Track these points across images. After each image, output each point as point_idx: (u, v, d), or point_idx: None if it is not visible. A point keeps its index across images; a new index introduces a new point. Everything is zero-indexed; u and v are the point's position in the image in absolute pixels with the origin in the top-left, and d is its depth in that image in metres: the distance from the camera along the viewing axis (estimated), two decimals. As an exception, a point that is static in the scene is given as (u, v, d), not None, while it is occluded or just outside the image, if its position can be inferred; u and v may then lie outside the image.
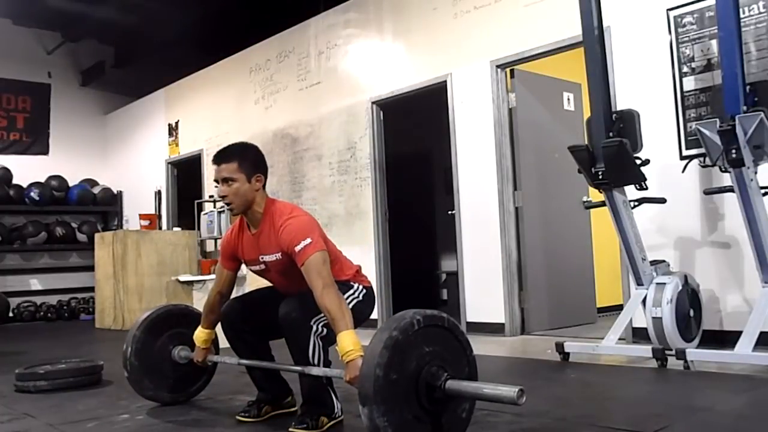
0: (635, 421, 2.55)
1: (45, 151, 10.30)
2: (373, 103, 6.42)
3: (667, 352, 3.60)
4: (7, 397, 3.56)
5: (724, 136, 3.51)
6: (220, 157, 2.69)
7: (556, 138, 5.38)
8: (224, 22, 8.59)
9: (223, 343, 2.95)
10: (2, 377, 4.02)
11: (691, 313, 3.94)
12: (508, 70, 5.44)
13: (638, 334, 4.30)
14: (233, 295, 2.96)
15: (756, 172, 3.56)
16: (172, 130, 9.38)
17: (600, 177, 3.94)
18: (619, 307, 4.69)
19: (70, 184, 10.12)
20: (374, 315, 3.29)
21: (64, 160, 10.25)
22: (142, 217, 8.21)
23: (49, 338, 7.20)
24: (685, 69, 4.37)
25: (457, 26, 5.70)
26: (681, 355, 3.46)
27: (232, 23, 8.67)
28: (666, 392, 3.22)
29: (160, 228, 8.91)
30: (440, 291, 7.83)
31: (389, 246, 6.34)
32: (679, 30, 4.39)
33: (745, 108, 3.51)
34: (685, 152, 4.30)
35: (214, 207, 7.96)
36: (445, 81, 5.77)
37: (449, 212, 5.83)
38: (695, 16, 4.32)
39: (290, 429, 2.52)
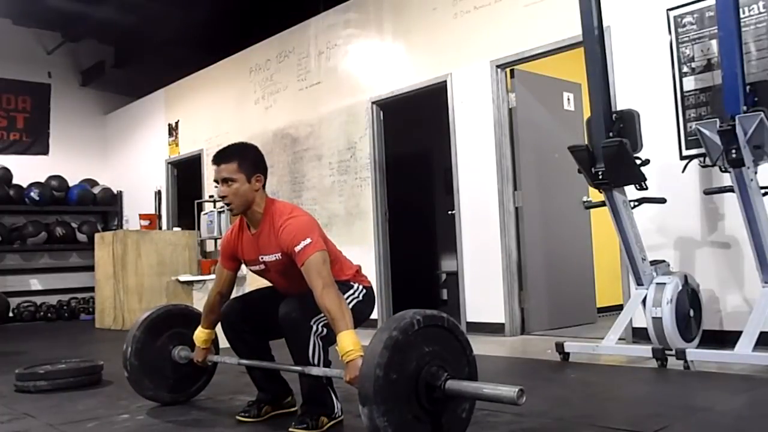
0: (635, 421, 2.55)
1: (45, 151, 10.30)
2: (373, 103, 6.42)
3: (667, 352, 3.60)
4: (7, 397, 3.56)
5: (724, 136, 3.51)
6: (220, 158, 2.68)
7: (556, 138, 5.38)
8: (224, 22, 8.59)
9: (223, 343, 2.95)
10: (2, 377, 4.02)
11: (691, 313, 3.94)
12: (508, 70, 5.44)
13: (638, 334, 4.30)
14: (233, 295, 2.96)
15: (756, 172, 3.56)
16: (172, 130, 9.38)
17: (600, 177, 3.94)
18: (619, 307, 4.69)
19: (70, 184, 10.12)
20: (374, 315, 3.29)
21: (64, 160, 10.25)
22: (142, 217, 8.21)
23: (49, 338, 7.20)
24: (685, 69, 4.37)
25: (457, 26, 5.70)
26: (681, 355, 3.46)
27: (232, 23, 8.67)
28: (666, 392, 3.22)
29: (160, 228, 8.91)
30: (440, 291, 7.83)
31: (389, 246, 6.34)
32: (679, 30, 4.39)
33: (745, 108, 3.51)
34: (685, 152, 4.30)
35: (214, 207, 7.96)
36: (445, 81, 5.77)
37: (449, 212, 5.83)
38: (695, 16, 4.32)
39: (290, 429, 2.52)
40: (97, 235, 8.36)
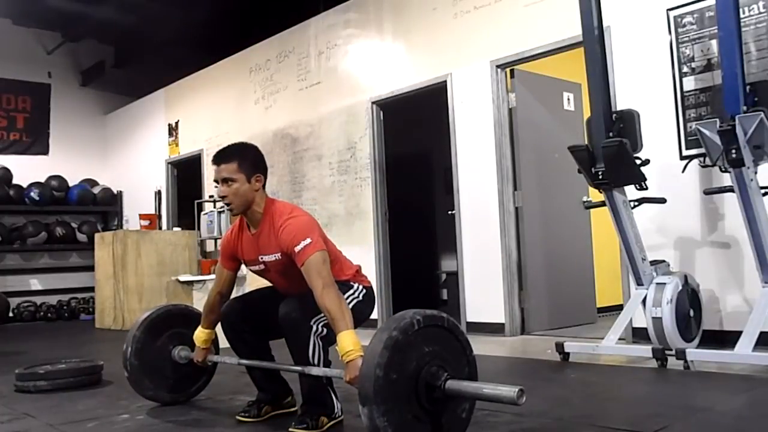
0: (635, 421, 2.55)
1: (45, 151, 10.30)
2: (373, 103, 6.42)
3: (667, 352, 3.60)
4: (7, 397, 3.56)
5: (724, 136, 3.51)
6: (220, 158, 2.68)
7: (556, 138, 5.38)
8: (224, 22, 8.59)
9: (223, 343, 2.95)
10: (2, 377, 4.02)
11: (691, 313, 3.94)
12: (508, 70, 5.44)
13: (638, 334, 4.30)
14: (233, 295, 2.96)
15: (756, 172, 3.56)
16: (172, 130, 9.38)
17: (600, 177, 3.94)
18: (619, 307, 4.69)
19: (70, 184, 10.12)
20: (374, 315, 3.29)
21: (64, 160, 10.25)
22: (142, 217, 8.21)
23: (49, 338, 7.20)
24: (685, 69, 4.37)
25: (457, 26, 5.70)
26: (681, 355, 3.46)
27: (232, 23, 8.67)
28: (666, 392, 3.22)
29: (160, 228, 8.91)
30: (440, 291, 7.83)
31: (389, 246, 6.34)
32: (679, 30, 4.39)
33: (745, 108, 3.51)
34: (685, 152, 4.30)
35: (214, 207, 7.96)
36: (445, 81, 5.77)
37: (449, 212, 5.83)
38: (695, 16, 4.32)
39: (290, 429, 2.52)
40: (97, 235, 8.36)
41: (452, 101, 5.72)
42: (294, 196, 7.21)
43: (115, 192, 10.50)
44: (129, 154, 10.38)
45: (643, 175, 3.98)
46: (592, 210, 4.94)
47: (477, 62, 5.53)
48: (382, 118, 6.44)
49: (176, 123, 9.32)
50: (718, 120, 3.58)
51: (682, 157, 4.31)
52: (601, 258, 5.98)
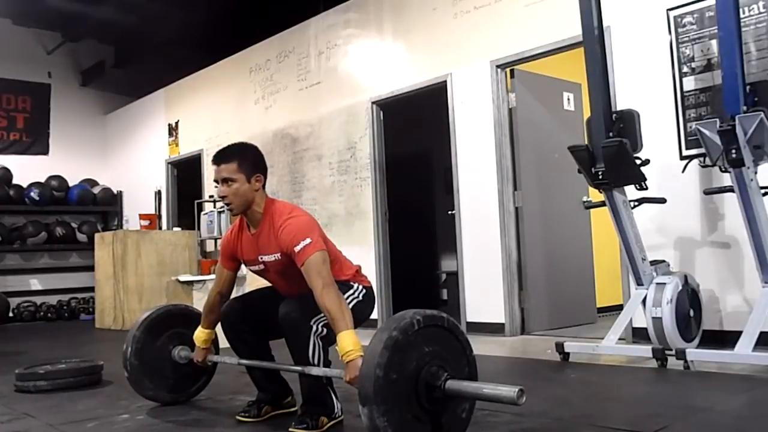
0: (635, 421, 2.55)
1: (45, 151, 10.30)
2: (373, 103, 6.42)
3: (667, 352, 3.60)
4: (7, 397, 3.56)
5: (724, 136, 3.51)
6: (220, 158, 2.68)
7: (556, 138, 5.38)
8: (224, 22, 8.59)
9: (223, 343, 2.95)
10: (2, 377, 4.02)
11: (691, 313, 3.94)
12: (508, 70, 5.44)
13: (638, 334, 4.30)
14: (233, 295, 2.96)
15: (756, 172, 3.56)
16: (172, 130, 9.38)
17: (600, 177, 3.94)
18: (619, 307, 4.69)
19: (70, 184, 10.12)
20: (374, 315, 3.29)
21: (64, 160, 10.25)
22: (142, 217, 8.21)
23: (49, 338, 7.20)
24: (685, 69, 4.37)
25: (457, 26, 5.70)
26: (681, 355, 3.46)
27: (232, 23, 8.67)
28: (666, 392, 3.22)
29: (160, 228, 8.91)
30: (440, 291, 7.83)
31: (389, 246, 6.34)
32: (679, 30, 4.39)
33: (745, 108, 3.51)
34: (685, 152, 4.30)
35: (214, 207, 7.96)
36: (445, 81, 5.77)
37: (449, 212, 5.83)
38: (695, 16, 4.32)
39: (290, 429, 2.52)
40: (97, 235, 8.36)
41: (452, 101, 5.72)
42: (294, 196, 7.21)
43: (115, 192, 10.50)
44: (129, 154, 10.38)
45: (643, 175, 3.98)
46: (592, 210, 4.94)
47: (477, 62, 5.53)
48: (382, 118, 6.44)
49: (176, 123, 9.32)
50: (718, 120, 3.58)
51: (682, 157, 4.31)
52: (601, 258, 5.98)
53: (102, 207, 10.38)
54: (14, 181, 9.66)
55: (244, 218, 2.77)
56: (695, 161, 4.06)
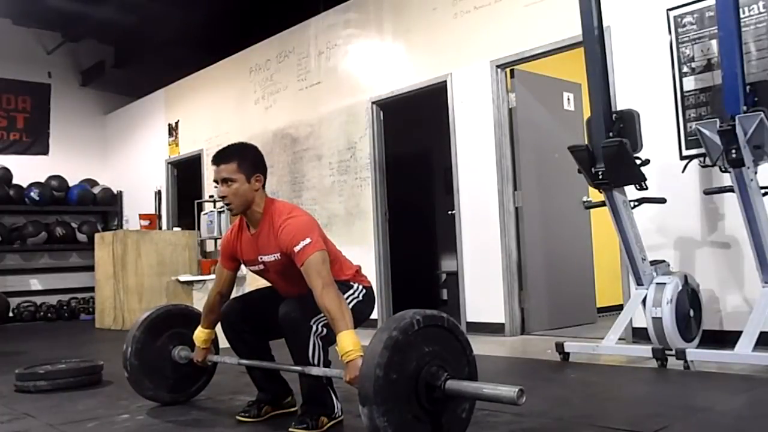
0: (635, 421, 2.55)
1: (45, 151, 10.30)
2: (373, 103, 6.42)
3: (667, 352, 3.60)
4: (7, 397, 3.56)
5: (724, 136, 3.51)
6: (220, 158, 2.68)
7: (556, 138, 5.38)
8: (224, 22, 8.59)
9: (223, 343, 2.95)
10: (2, 377, 4.02)
11: (691, 313, 3.94)
12: (508, 70, 5.44)
13: (638, 334, 4.30)
14: (233, 295, 2.96)
15: (756, 172, 3.56)
16: (172, 130, 9.38)
17: (600, 177, 3.94)
18: (619, 307, 4.69)
19: (70, 184, 10.12)
20: (374, 315, 3.29)
21: (64, 160, 10.25)
22: (142, 217, 8.21)
23: (49, 338, 7.20)
24: (685, 69, 4.37)
25: (457, 26, 5.70)
26: (681, 355, 3.46)
27: (232, 23, 8.67)
28: (666, 392, 3.22)
29: (160, 228, 8.91)
30: (440, 291, 7.83)
31: (389, 246, 6.34)
32: (679, 30, 4.39)
33: (745, 108, 3.51)
34: (685, 152, 4.30)
35: (214, 207, 7.96)
36: (445, 81, 5.77)
37: (449, 212, 5.83)
38: (695, 16, 4.32)
39: (290, 429, 2.52)
40: (97, 235, 8.36)
41: (452, 101, 5.72)
42: (294, 196, 7.21)
43: (115, 192, 10.50)
44: (129, 154, 10.38)
45: (643, 175, 3.98)
46: (592, 210, 4.94)
47: (477, 62, 5.53)
48: (382, 118, 6.44)
49: (176, 123, 9.32)
50: (718, 120, 3.58)
51: (682, 157, 4.31)
52: (601, 258, 5.98)
53: (102, 207, 10.38)
54: (14, 181, 9.66)
55: (243, 218, 2.77)
56: (695, 161, 4.06)
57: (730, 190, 3.66)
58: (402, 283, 6.44)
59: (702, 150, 3.79)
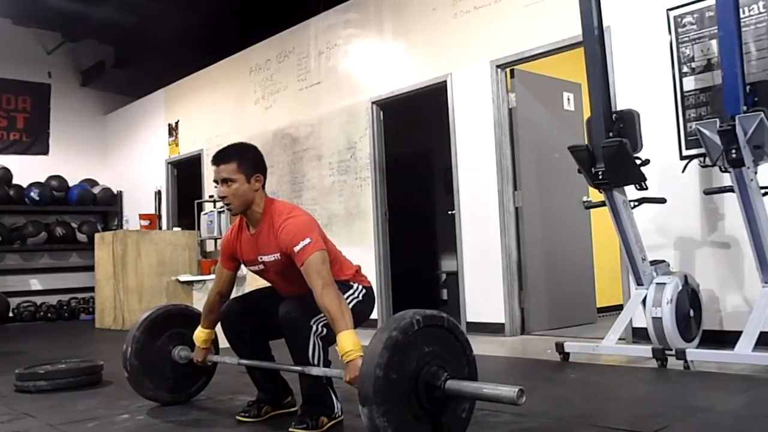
0: (635, 421, 2.55)
1: (45, 151, 10.30)
2: (373, 103, 6.42)
3: (667, 352, 3.60)
4: (7, 397, 3.56)
5: (724, 136, 3.51)
6: (219, 158, 2.68)
7: (556, 138, 5.38)
8: (224, 22, 8.59)
9: (223, 343, 2.95)
10: (2, 377, 4.02)
11: (691, 313, 3.94)
12: (508, 70, 5.44)
13: (638, 334, 4.30)
14: (233, 295, 2.96)
15: (756, 172, 3.56)
16: (172, 130, 9.38)
17: (600, 177, 3.94)
18: (619, 307, 4.69)
19: (70, 184, 10.12)
20: (374, 315, 3.29)
21: (64, 160, 10.25)
22: (142, 217, 8.21)
23: (49, 338, 7.20)
24: (685, 69, 4.37)
25: (457, 26, 5.70)
26: (681, 355, 3.46)
27: (232, 23, 8.67)
28: (666, 392, 3.22)
29: (160, 228, 8.91)
30: (440, 291, 7.83)
31: (389, 246, 6.34)
32: (679, 30, 4.39)
33: (745, 108, 3.51)
34: (685, 152, 4.30)
35: (214, 207, 7.96)
36: (445, 81, 5.77)
37: (449, 212, 5.83)
38: (695, 16, 4.32)
39: (290, 429, 2.52)
40: (97, 235, 8.36)
41: (452, 101, 5.72)
42: (294, 196, 7.21)
43: (115, 192, 10.50)
44: (129, 154, 10.38)
45: (643, 175, 3.98)
46: (592, 210, 4.94)
47: (477, 62, 5.53)
48: (382, 118, 6.44)
49: (176, 123, 9.32)
50: (718, 120, 3.58)
51: (682, 157, 4.31)
52: (601, 258, 5.98)
53: (102, 207, 10.38)
54: (14, 181, 9.66)
55: (243, 218, 2.77)
56: (695, 161, 4.06)
57: (730, 190, 3.66)
58: (402, 283, 6.44)
59: (702, 150, 3.79)
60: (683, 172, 4.12)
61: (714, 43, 4.16)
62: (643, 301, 3.94)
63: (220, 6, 8.16)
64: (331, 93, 6.88)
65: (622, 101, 4.52)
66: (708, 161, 3.71)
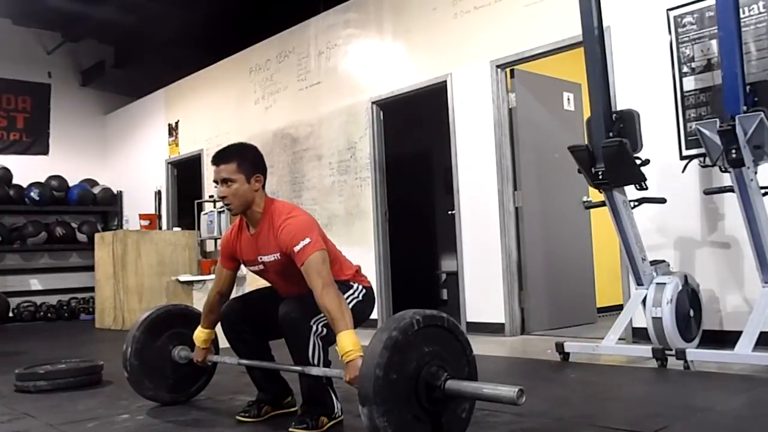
0: (635, 421, 2.55)
1: (45, 151, 10.30)
2: (373, 103, 6.42)
3: (667, 352, 3.60)
4: (7, 397, 3.56)
5: (724, 136, 3.51)
6: (219, 158, 2.68)
7: (556, 138, 5.38)
8: (224, 22, 8.59)
9: (223, 343, 2.95)
10: (2, 377, 4.02)
11: (691, 313, 3.94)
12: (508, 70, 5.44)
13: (638, 334, 4.30)
14: (233, 295, 2.96)
15: (756, 172, 3.56)
16: (172, 130, 9.38)
17: (600, 177, 3.94)
18: (619, 307, 4.69)
19: (70, 184, 10.12)
20: (374, 315, 3.29)
21: (64, 160, 10.25)
22: (142, 217, 8.21)
23: (49, 338, 7.20)
24: (685, 69, 4.37)
25: (457, 26, 5.70)
26: (681, 355, 3.46)
27: (232, 23, 8.67)
28: (666, 392, 3.22)
29: (160, 228, 8.91)
30: (440, 291, 7.83)
31: (389, 246, 6.34)
32: (679, 30, 4.39)
33: (745, 108, 3.51)
34: (685, 152, 4.30)
35: (214, 207, 7.96)
36: (445, 81, 5.77)
37: (449, 212, 5.83)
38: (695, 16, 4.32)
39: (290, 429, 2.52)
40: (97, 235, 8.36)
41: (452, 101, 5.72)
42: (294, 196, 7.21)
43: (115, 192, 10.50)
44: (129, 154, 10.38)
45: (643, 175, 3.98)
46: (592, 210, 4.94)
47: (477, 62, 5.53)
48: (382, 118, 6.44)
49: (176, 123, 9.32)
50: (718, 120, 3.58)
51: (682, 157, 4.31)
52: (601, 258, 5.98)
53: (102, 207, 10.38)
54: (14, 181, 9.66)
55: (243, 218, 2.77)
56: (695, 161, 4.06)
57: (730, 190, 3.66)
58: (402, 283, 6.44)
59: (702, 150, 3.79)
60: (683, 172, 4.12)
61: (714, 43, 4.16)
62: (643, 301, 3.94)
63: (220, 6, 8.16)
64: (331, 93, 6.88)
65: (622, 101, 4.52)
66: (708, 161, 3.71)
